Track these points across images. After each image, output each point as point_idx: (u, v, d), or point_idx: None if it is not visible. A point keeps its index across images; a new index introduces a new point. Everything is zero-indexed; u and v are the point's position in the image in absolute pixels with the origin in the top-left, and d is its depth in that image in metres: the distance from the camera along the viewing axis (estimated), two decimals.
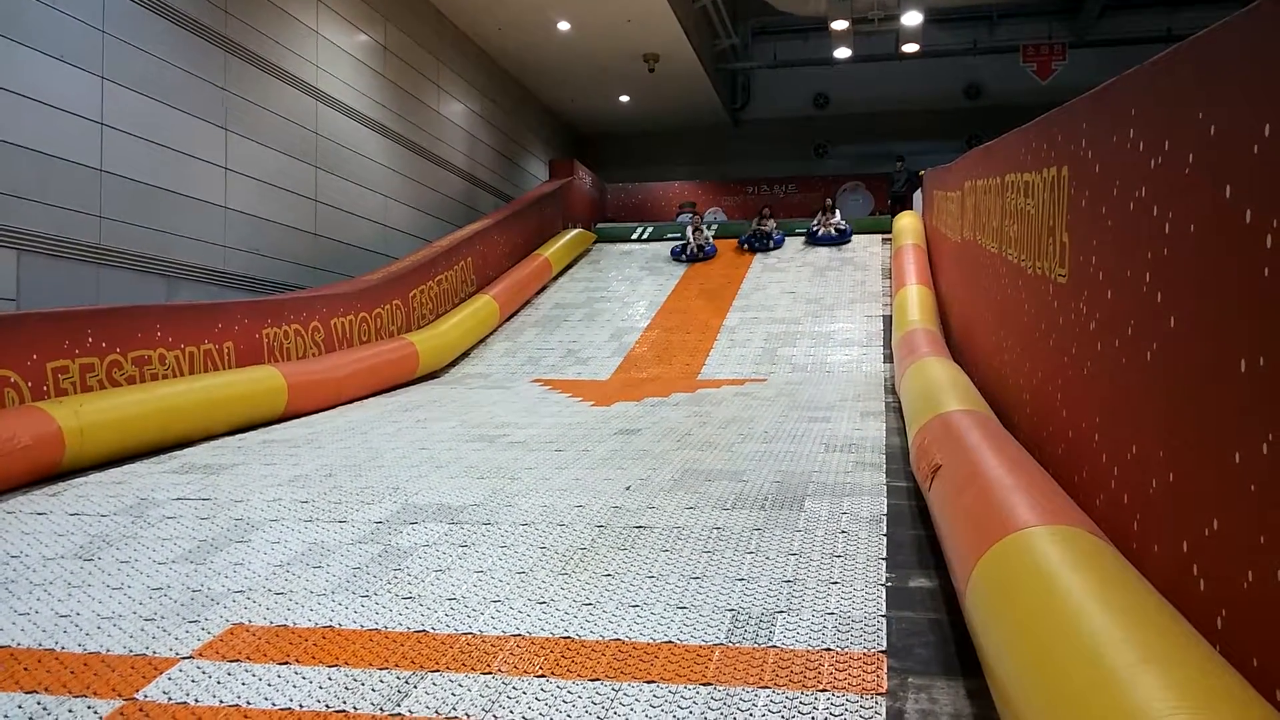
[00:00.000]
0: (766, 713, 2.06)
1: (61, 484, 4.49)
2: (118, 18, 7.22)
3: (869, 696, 2.13)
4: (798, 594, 2.77)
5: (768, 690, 2.17)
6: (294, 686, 2.27)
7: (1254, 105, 1.70)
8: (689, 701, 2.13)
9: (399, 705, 2.16)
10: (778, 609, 2.66)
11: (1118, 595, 1.74)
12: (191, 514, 3.84)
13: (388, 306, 9.14)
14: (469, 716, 2.10)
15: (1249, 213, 1.70)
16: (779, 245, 13.42)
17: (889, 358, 8.48)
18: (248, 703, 2.20)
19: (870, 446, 5.03)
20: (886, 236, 13.22)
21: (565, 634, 2.53)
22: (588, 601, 2.75)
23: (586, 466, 4.62)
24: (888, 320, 9.66)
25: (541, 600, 2.77)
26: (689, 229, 13.55)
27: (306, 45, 9.94)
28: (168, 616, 2.75)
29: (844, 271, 12.20)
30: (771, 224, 13.73)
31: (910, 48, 16.84)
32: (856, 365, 8.62)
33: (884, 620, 2.57)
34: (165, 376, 6.00)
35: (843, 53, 16.56)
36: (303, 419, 6.58)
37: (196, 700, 2.22)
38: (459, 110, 14.06)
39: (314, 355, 7.70)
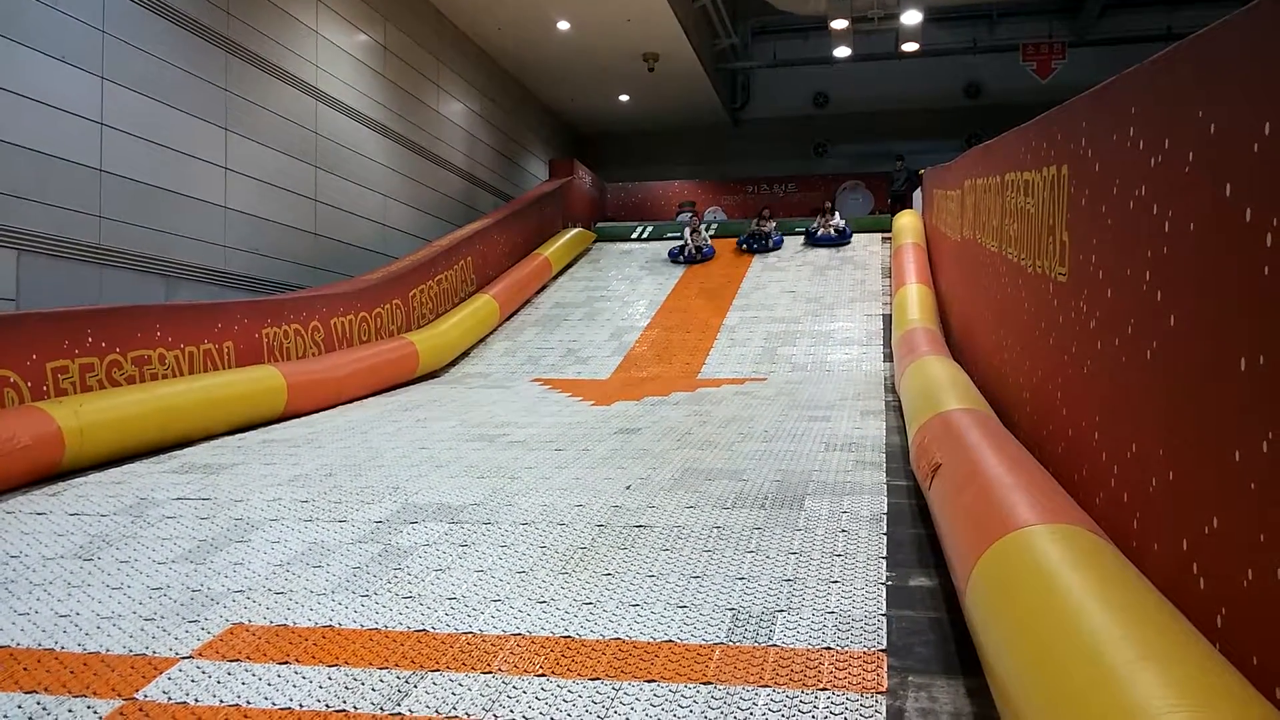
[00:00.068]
0: (767, 712, 2.06)
1: (61, 484, 4.49)
2: (118, 18, 7.22)
3: (869, 695, 2.13)
4: (798, 593, 2.77)
5: (768, 689, 2.17)
6: (294, 686, 2.27)
7: (1254, 104, 1.70)
8: (689, 701, 2.13)
9: (399, 705, 2.16)
10: (778, 608, 2.66)
11: (1117, 593, 1.74)
12: (191, 514, 3.84)
13: (387, 306, 9.14)
14: (469, 716, 2.10)
15: (1249, 211, 1.70)
16: (778, 246, 13.38)
17: (889, 356, 8.48)
18: (248, 702, 2.20)
19: (870, 445, 5.03)
20: (886, 235, 13.22)
21: (565, 633, 2.53)
22: (588, 601, 2.75)
23: (586, 466, 4.62)
24: (887, 319, 9.65)
25: (542, 599, 2.77)
26: (687, 230, 13.51)
27: (306, 45, 9.93)
28: (167, 616, 2.75)
29: (844, 270, 12.20)
30: (770, 224, 13.71)
31: (910, 47, 16.84)
32: (856, 364, 8.62)
33: (884, 619, 2.57)
34: (165, 376, 6.00)
35: (842, 52, 16.55)
36: (303, 419, 6.58)
37: (196, 700, 2.22)
38: (459, 110, 14.06)
39: (314, 355, 7.70)
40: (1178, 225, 2.08)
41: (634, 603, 2.73)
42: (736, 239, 13.62)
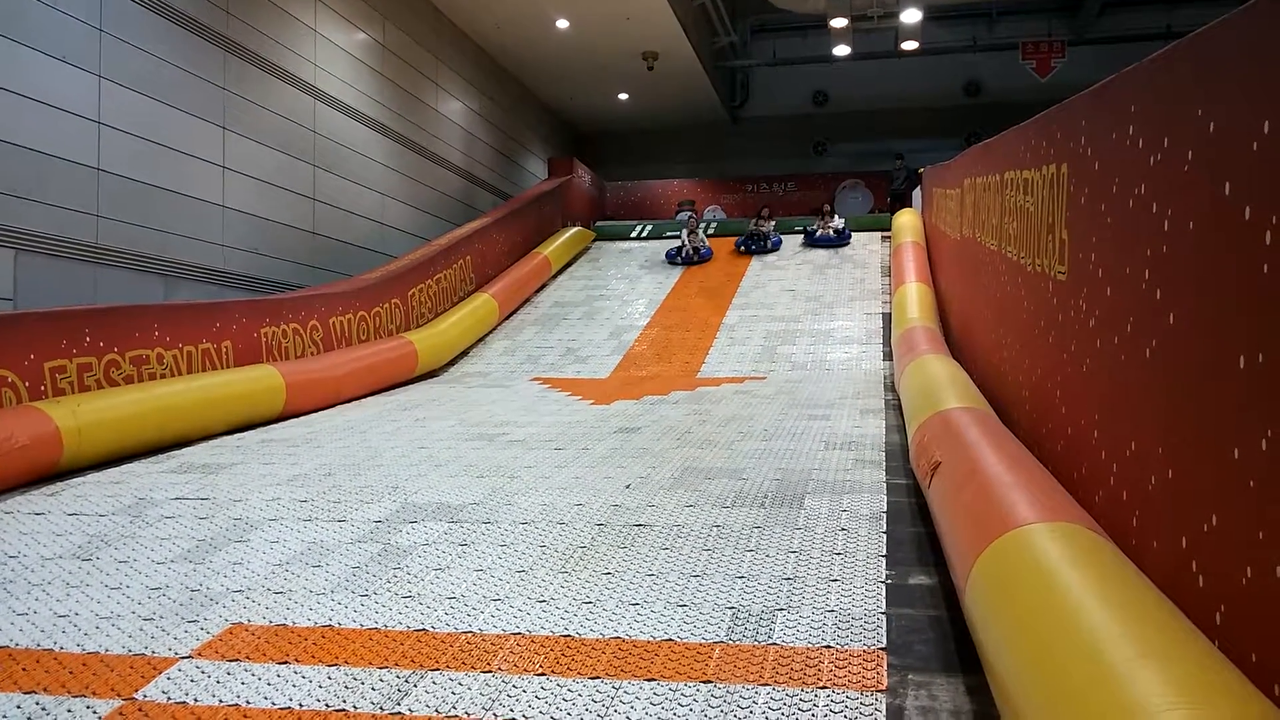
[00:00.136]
0: (767, 710, 2.06)
1: (59, 484, 4.49)
2: (116, 17, 7.21)
3: (869, 693, 2.13)
4: (798, 591, 2.77)
5: (768, 688, 2.17)
6: (293, 686, 2.27)
7: (1253, 102, 1.70)
8: (689, 699, 2.13)
9: (399, 704, 2.16)
10: (778, 606, 2.66)
11: (1117, 591, 1.74)
12: (190, 513, 3.84)
13: (386, 305, 9.13)
14: (469, 715, 2.10)
15: (1248, 209, 1.70)
16: (776, 247, 13.28)
17: (888, 355, 8.48)
18: (247, 702, 2.20)
19: (870, 444, 5.03)
20: (886, 234, 13.21)
21: (565, 632, 2.53)
22: (588, 600, 2.75)
23: (586, 465, 4.62)
24: (887, 318, 9.66)
25: (541, 599, 2.77)
26: (684, 231, 13.44)
27: (305, 44, 9.93)
28: (166, 616, 2.75)
29: (843, 269, 12.20)
30: (769, 225, 13.64)
31: (909, 45, 16.85)
32: (856, 363, 8.62)
33: (884, 617, 2.57)
34: (163, 376, 5.99)
35: (842, 50, 16.55)
36: (301, 418, 6.57)
37: (196, 700, 2.22)
38: (457, 108, 14.05)
39: (312, 354, 7.69)
40: (1177, 224, 2.08)
41: (634, 602, 2.73)
42: (735, 239, 13.56)
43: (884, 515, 3.57)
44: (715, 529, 3.41)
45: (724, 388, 7.62)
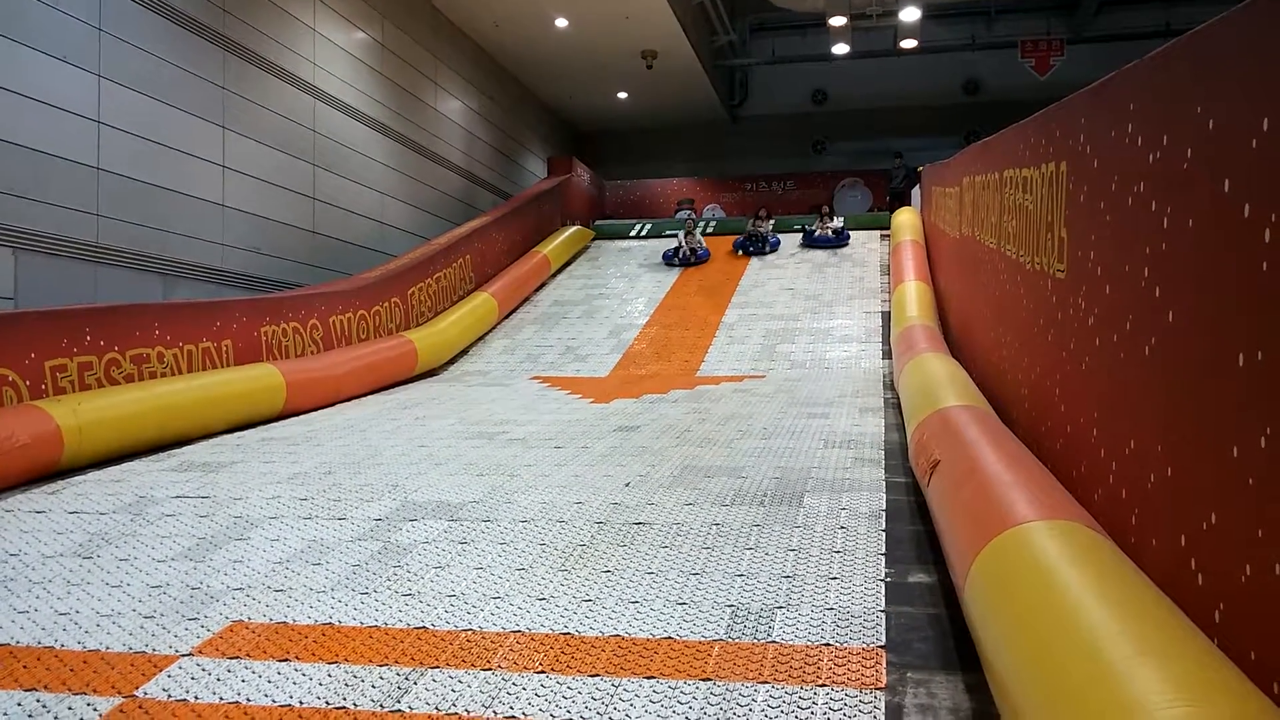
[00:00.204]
0: (766, 708, 2.07)
1: (60, 482, 4.49)
2: (115, 16, 7.20)
3: (868, 691, 2.13)
4: (797, 589, 2.77)
5: (767, 685, 2.17)
6: (294, 683, 2.27)
7: (1252, 100, 1.70)
8: (688, 697, 2.13)
9: (399, 702, 2.17)
10: (777, 604, 2.66)
11: (1116, 589, 1.74)
12: (190, 512, 3.84)
13: (386, 304, 9.13)
14: (469, 713, 2.10)
15: (1247, 207, 1.70)
16: (775, 248, 13.19)
17: (887, 354, 8.48)
18: (248, 700, 2.20)
19: (869, 442, 5.03)
20: (885, 233, 13.21)
21: (565, 630, 2.53)
22: (587, 598, 2.76)
23: (585, 463, 4.62)
24: (886, 316, 9.66)
25: (541, 597, 2.78)
26: (681, 232, 13.30)
27: (304, 43, 9.92)
28: (167, 614, 2.75)
29: (842, 268, 12.20)
30: (768, 225, 13.58)
31: (908, 43, 16.85)
32: (855, 361, 8.62)
33: (883, 615, 2.57)
34: (163, 375, 6.00)
35: (841, 49, 16.55)
36: (301, 417, 6.57)
37: (196, 697, 2.22)
38: (457, 107, 14.05)
39: (312, 353, 7.69)
40: (1176, 221, 2.08)
41: (633, 599, 2.73)
42: (733, 240, 13.43)
43: (883, 513, 3.57)
44: (714, 527, 3.41)
45: (723, 386, 7.62)
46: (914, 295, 8.55)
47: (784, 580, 2.85)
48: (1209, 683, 1.38)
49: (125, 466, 4.85)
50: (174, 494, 4.16)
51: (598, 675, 2.26)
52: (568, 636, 2.49)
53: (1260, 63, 1.68)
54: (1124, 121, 2.50)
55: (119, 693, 2.26)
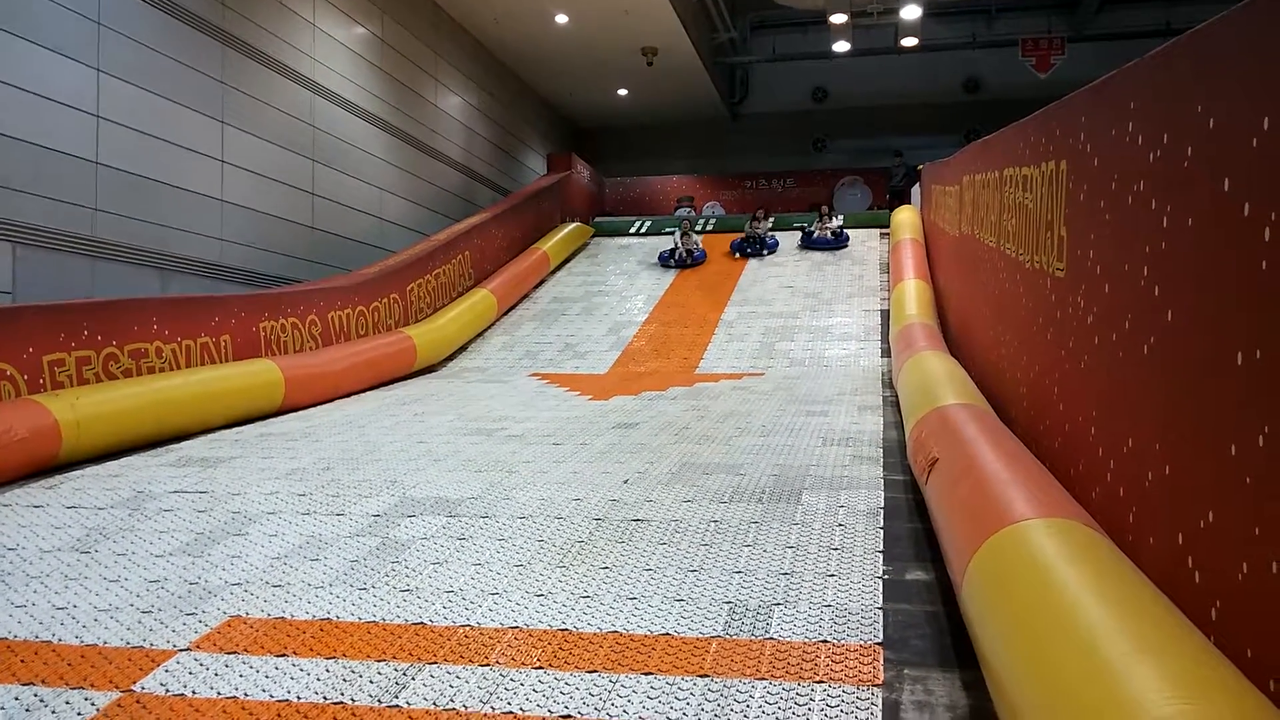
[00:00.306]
0: (764, 704, 2.07)
1: (58, 477, 4.49)
2: (114, 10, 7.19)
3: (865, 688, 2.13)
4: (795, 586, 2.77)
5: (765, 682, 2.17)
6: (291, 678, 2.28)
7: (1252, 99, 1.70)
8: (686, 693, 2.13)
9: (397, 697, 2.17)
10: (775, 601, 2.66)
11: (1113, 587, 1.75)
12: (188, 507, 3.84)
13: (385, 300, 9.13)
14: (467, 708, 2.11)
15: (1247, 206, 1.70)
16: (773, 250, 12.98)
17: (886, 352, 8.48)
18: (245, 694, 2.20)
19: (868, 440, 5.04)
20: (884, 231, 13.20)
21: (563, 626, 2.53)
22: (585, 594, 2.76)
23: (584, 460, 4.62)
24: (885, 315, 9.66)
25: (539, 592, 2.78)
26: (678, 233, 13.10)
27: (303, 38, 9.90)
28: (165, 609, 2.75)
29: (842, 266, 12.19)
30: (766, 225, 13.42)
31: (909, 42, 16.83)
32: (854, 359, 8.63)
33: (881, 612, 2.58)
34: (162, 370, 5.99)
35: (841, 47, 16.54)
36: (300, 412, 6.57)
37: (194, 692, 2.22)
38: (456, 103, 14.03)
39: (311, 349, 7.69)
40: (1176, 220, 2.08)
41: (631, 596, 2.73)
42: (730, 242, 13.12)
43: (881, 511, 3.58)
44: (713, 524, 3.42)
45: (722, 384, 7.62)
46: (913, 293, 8.55)
47: (782, 577, 2.85)
48: (1206, 680, 1.38)
49: (123, 461, 4.85)
50: (172, 489, 4.15)
51: (595, 671, 2.26)
52: (565, 632, 2.49)
53: (1261, 62, 1.68)
54: (1124, 120, 2.50)
55: (116, 687, 2.26)
